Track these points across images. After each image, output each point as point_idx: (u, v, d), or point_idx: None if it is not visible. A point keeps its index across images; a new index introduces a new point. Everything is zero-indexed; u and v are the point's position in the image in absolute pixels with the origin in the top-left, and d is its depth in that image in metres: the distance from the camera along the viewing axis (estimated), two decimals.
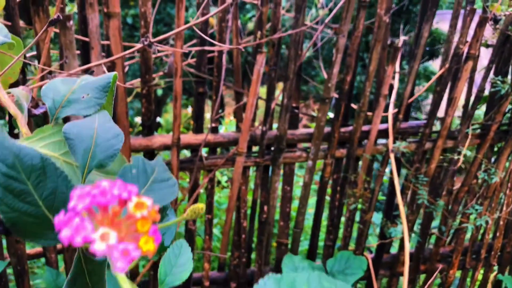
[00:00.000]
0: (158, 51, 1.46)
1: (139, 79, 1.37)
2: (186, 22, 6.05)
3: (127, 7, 6.15)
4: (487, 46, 1.69)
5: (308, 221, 2.23)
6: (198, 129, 1.38)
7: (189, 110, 3.69)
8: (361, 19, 1.32)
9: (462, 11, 1.47)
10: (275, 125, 1.44)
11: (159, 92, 5.34)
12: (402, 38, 2.04)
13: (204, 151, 1.41)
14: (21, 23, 1.26)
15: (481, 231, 1.78)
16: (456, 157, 1.52)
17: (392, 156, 1.44)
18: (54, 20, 0.53)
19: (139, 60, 1.30)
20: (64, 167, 0.42)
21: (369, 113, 1.53)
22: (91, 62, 1.17)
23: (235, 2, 1.36)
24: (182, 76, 1.30)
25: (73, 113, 0.44)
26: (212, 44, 1.38)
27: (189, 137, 1.36)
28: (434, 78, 1.53)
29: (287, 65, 1.33)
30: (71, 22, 1.12)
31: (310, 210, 2.35)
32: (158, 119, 1.99)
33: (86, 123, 0.41)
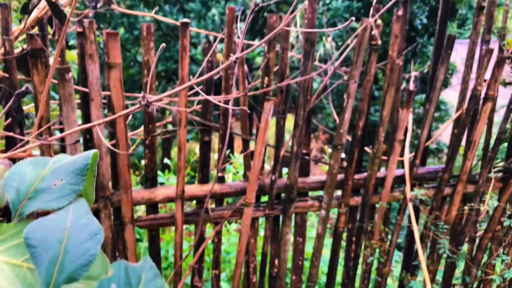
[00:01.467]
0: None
1: (142, 129, 1.32)
2: (193, 59, 6.10)
3: (138, 45, 6.25)
4: (505, 84, 1.62)
5: (322, 275, 2.11)
6: (204, 179, 1.31)
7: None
8: (372, 63, 1.26)
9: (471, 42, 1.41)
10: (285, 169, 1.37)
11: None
12: (413, 74, 1.99)
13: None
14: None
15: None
16: (478, 206, 1.42)
17: (410, 205, 1.35)
18: (22, 92, 0.47)
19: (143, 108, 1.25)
20: (28, 277, 0.35)
21: (384, 157, 1.46)
22: (91, 113, 1.12)
23: (241, 49, 1.32)
24: (188, 125, 1.25)
25: (41, 207, 0.37)
26: (218, 92, 1.33)
27: (194, 188, 1.29)
28: (451, 120, 1.45)
29: (295, 98, 1.27)
30: (70, 74, 1.07)
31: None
32: (166, 160, 1.92)
33: (55, 222, 0.34)
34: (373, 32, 1.19)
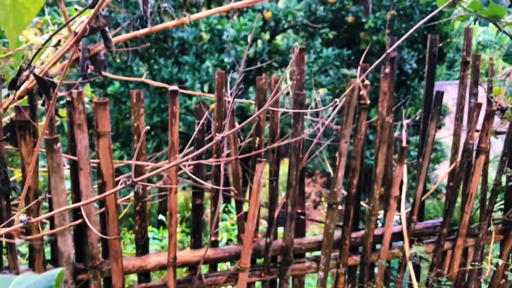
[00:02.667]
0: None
1: (132, 194, 1.30)
2: (189, 110, 6.16)
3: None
4: (496, 133, 1.63)
5: None
6: (197, 243, 1.27)
7: None
8: (362, 121, 1.26)
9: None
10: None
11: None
12: (405, 122, 1.99)
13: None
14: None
15: None
16: (480, 264, 1.39)
17: (410, 264, 1.31)
18: None
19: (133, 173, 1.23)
20: None
21: (380, 212, 1.43)
22: (80, 183, 1.10)
23: (231, 107, 1.32)
24: (179, 188, 1.23)
25: None
26: (210, 155, 1.32)
27: (186, 254, 1.25)
28: (445, 174, 1.44)
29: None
30: (58, 144, 1.06)
31: None
32: (161, 216, 1.88)
33: None
34: (361, 93, 1.20)
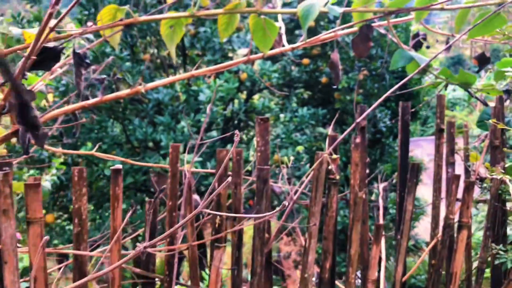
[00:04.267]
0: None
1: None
2: (165, 171, 6.00)
3: (105, 160, 6.14)
4: (477, 202, 1.53)
5: None
6: None
7: None
8: (333, 197, 1.15)
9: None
10: None
11: None
12: (382, 185, 1.91)
13: None
14: None
15: None
16: None
17: None
18: None
19: (72, 261, 1.07)
20: None
21: None
22: (4, 279, 0.94)
23: (188, 181, 1.20)
24: (126, 278, 1.07)
25: None
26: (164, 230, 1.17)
27: None
28: (427, 250, 1.32)
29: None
30: None
31: None
32: None
33: None
34: (329, 167, 1.10)
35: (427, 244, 1.32)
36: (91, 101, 1.24)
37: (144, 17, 1.23)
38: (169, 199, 1.10)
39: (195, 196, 1.31)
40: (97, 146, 1.77)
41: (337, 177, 1.11)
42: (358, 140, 1.23)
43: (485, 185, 1.42)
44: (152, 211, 1.10)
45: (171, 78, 1.34)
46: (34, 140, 1.16)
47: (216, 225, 1.14)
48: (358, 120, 1.23)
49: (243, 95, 6.90)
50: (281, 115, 6.74)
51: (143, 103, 6.17)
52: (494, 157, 1.37)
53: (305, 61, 6.28)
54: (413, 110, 1.45)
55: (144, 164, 1.50)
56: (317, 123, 6.54)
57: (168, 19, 1.21)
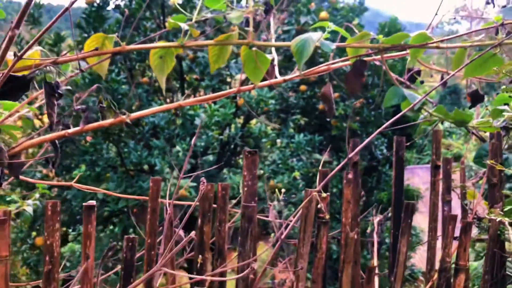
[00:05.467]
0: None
1: None
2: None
3: (99, 182, 6.05)
4: (475, 242, 1.47)
5: None
6: None
7: None
8: (323, 238, 1.08)
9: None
10: None
11: None
12: (376, 220, 1.85)
13: None
14: None
15: None
16: None
17: None
18: None
19: None
20: None
21: None
22: None
23: (169, 216, 1.14)
24: None
25: None
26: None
27: None
28: None
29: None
30: None
31: None
32: None
33: None
34: (319, 206, 1.04)
35: (423, 274, 1.25)
36: (72, 130, 1.19)
37: (132, 46, 1.19)
38: (148, 236, 1.04)
39: (180, 232, 1.25)
40: (84, 173, 1.71)
41: (327, 216, 1.05)
42: (350, 176, 1.18)
43: (483, 224, 1.37)
44: (129, 249, 1.03)
45: (157, 108, 1.30)
46: (9, 171, 1.11)
47: (198, 264, 1.07)
48: (350, 156, 1.18)
49: (240, 120, 6.89)
50: (278, 141, 6.71)
51: (140, 125, 6.13)
52: (493, 195, 1.31)
53: (302, 87, 6.29)
54: (408, 144, 1.41)
55: (125, 196, 1.45)
56: (313, 149, 6.50)
57: (157, 49, 1.18)
